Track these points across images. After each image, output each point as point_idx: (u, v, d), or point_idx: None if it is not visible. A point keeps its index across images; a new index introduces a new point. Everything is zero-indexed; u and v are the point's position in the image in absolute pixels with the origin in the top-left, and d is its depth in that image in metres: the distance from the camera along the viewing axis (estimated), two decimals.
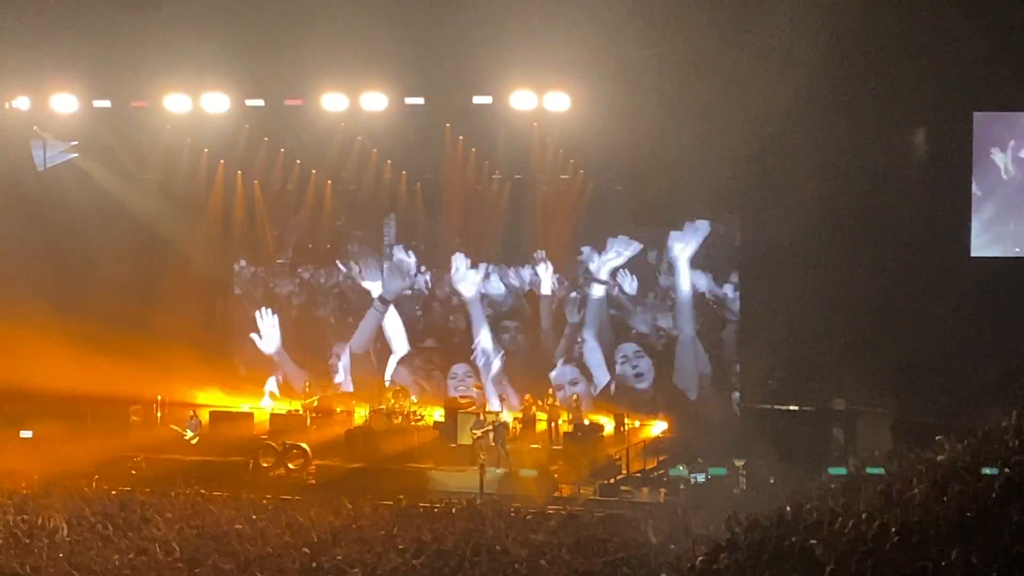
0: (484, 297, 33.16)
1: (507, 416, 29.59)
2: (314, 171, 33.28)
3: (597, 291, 32.09)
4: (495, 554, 17.22)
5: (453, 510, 21.98)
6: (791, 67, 24.97)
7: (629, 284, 31.86)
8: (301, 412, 31.78)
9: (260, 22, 26.95)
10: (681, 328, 31.31)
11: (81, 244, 32.24)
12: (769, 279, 28.45)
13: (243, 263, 35.11)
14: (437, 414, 31.00)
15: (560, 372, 32.37)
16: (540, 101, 28.53)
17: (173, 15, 27.04)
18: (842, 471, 22.96)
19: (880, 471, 21.25)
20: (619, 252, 31.84)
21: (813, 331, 27.21)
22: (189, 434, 29.54)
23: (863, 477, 20.30)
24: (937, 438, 19.52)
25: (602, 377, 32.05)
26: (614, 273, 31.95)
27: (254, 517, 20.66)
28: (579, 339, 32.28)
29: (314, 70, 28.46)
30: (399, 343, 33.96)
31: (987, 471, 14.37)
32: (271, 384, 34.33)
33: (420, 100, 29.02)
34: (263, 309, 34.79)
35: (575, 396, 30.91)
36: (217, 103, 29.71)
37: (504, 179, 32.35)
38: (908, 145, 28.02)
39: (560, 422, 29.70)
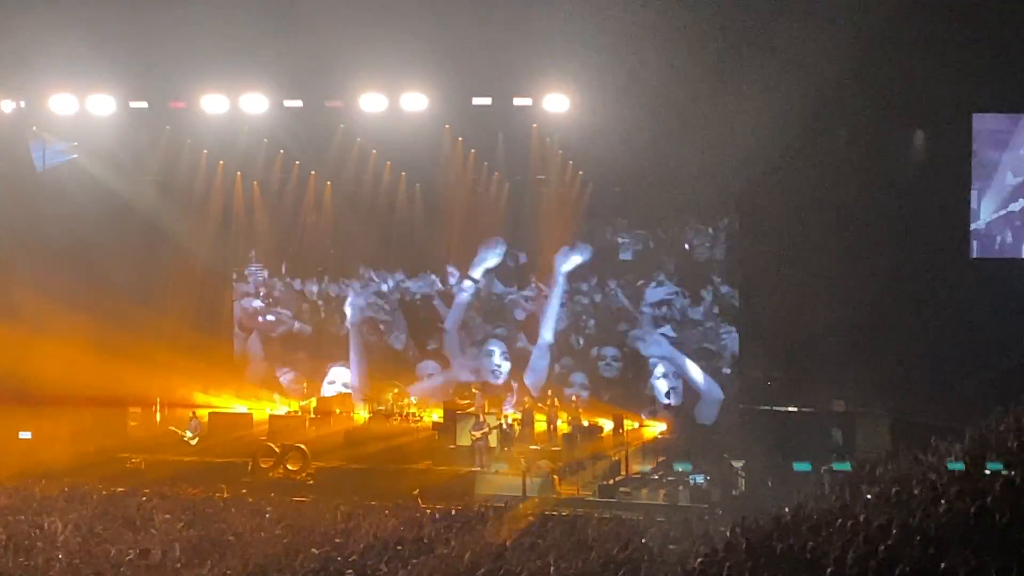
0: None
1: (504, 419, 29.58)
2: (313, 172, 33.30)
3: (467, 288, 33.29)
4: (494, 555, 17.23)
5: (452, 511, 21.99)
6: (791, 69, 24.98)
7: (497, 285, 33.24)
8: (299, 413, 31.80)
9: (259, 24, 26.93)
10: (542, 334, 32.47)
11: (81, 245, 32.21)
12: (768, 280, 28.46)
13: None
14: (436, 415, 31.00)
15: (423, 365, 33.62)
16: (540, 103, 28.53)
17: (172, 16, 27.04)
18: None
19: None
20: (489, 256, 33.17)
21: (812, 333, 27.20)
22: (188, 435, 29.55)
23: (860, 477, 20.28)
24: (933, 442, 19.51)
25: (462, 372, 33.22)
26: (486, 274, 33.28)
27: (254, 518, 20.68)
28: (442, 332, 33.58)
29: (313, 71, 28.45)
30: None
31: (987, 472, 14.38)
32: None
33: (420, 101, 29.00)
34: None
35: (574, 397, 30.93)
36: (216, 104, 29.72)
37: (503, 180, 32.37)
38: (907, 147, 28.03)
39: (559, 423, 29.70)
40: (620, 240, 32.08)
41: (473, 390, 31.56)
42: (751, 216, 29.66)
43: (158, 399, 31.79)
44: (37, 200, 32.07)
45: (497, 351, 33.13)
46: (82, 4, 27.33)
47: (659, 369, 31.57)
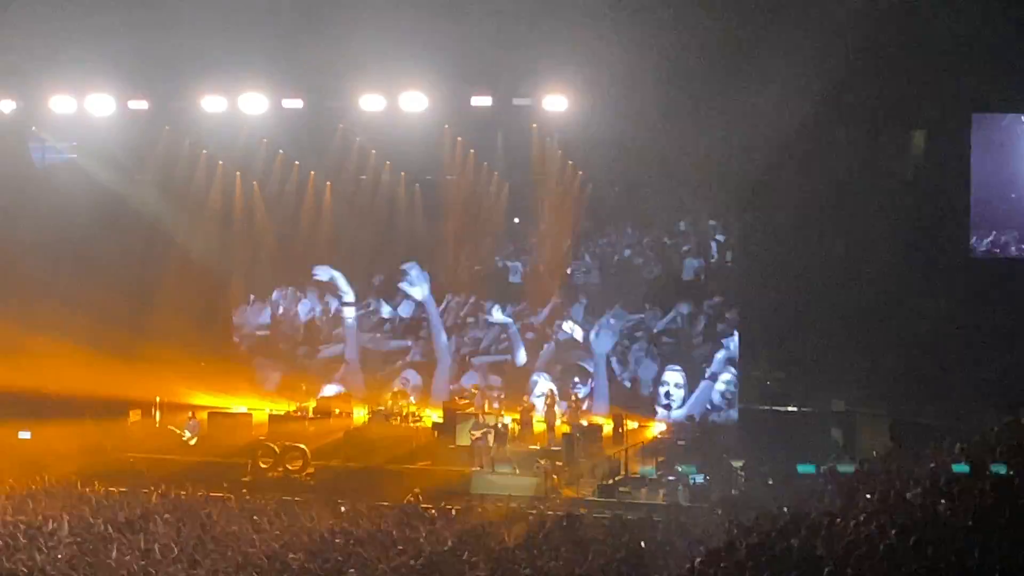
0: None
1: (507, 418, 29.57)
2: (312, 172, 33.29)
3: (348, 313, 34.27)
4: (494, 555, 17.22)
5: (452, 511, 21.97)
6: (791, 69, 24.98)
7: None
8: (299, 413, 31.78)
9: (259, 24, 26.92)
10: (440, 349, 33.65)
11: (81, 246, 32.22)
12: (768, 280, 28.46)
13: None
14: (435, 415, 31.00)
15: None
16: (540, 103, 28.52)
17: (172, 16, 27.04)
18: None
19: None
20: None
21: (812, 333, 27.21)
22: (187, 435, 29.53)
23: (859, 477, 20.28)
24: (933, 443, 19.53)
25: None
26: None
27: (253, 518, 20.66)
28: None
29: (313, 72, 28.44)
30: None
31: (988, 472, 14.40)
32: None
33: (419, 101, 28.99)
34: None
35: (575, 397, 30.91)
36: (216, 105, 29.69)
37: (503, 180, 32.36)
38: (907, 147, 28.04)
39: (558, 423, 29.68)
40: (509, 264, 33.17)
41: (472, 391, 31.55)
42: (750, 216, 29.67)
43: (157, 399, 31.76)
44: (37, 200, 32.06)
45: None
46: (81, 3, 27.33)
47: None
